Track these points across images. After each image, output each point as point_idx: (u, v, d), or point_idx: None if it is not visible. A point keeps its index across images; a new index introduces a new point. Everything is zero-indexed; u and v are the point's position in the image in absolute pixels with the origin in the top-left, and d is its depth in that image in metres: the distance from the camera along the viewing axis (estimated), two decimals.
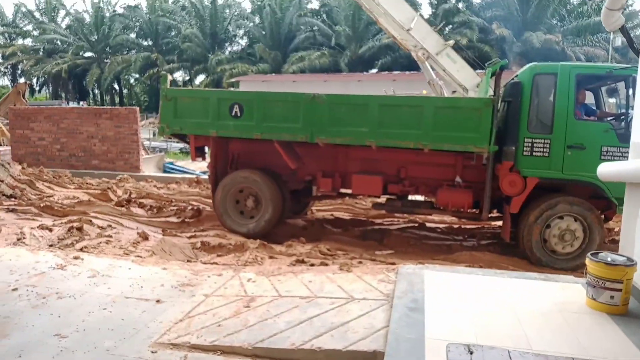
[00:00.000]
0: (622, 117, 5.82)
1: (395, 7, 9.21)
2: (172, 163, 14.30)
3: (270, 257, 5.73)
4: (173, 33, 41.46)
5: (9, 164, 10.15)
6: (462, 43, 21.46)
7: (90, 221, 6.76)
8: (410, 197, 7.16)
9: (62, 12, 46.82)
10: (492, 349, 2.53)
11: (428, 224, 7.77)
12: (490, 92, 6.31)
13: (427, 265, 4.74)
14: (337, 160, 6.99)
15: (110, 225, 6.82)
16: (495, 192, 6.12)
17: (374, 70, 32.57)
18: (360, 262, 5.45)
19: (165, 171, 13.23)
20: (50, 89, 47.83)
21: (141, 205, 8.30)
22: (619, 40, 22.34)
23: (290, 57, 33.30)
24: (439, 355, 2.67)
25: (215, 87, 36.08)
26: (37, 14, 46.67)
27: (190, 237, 6.60)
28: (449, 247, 6.67)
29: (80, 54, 42.58)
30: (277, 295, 3.80)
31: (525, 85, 5.89)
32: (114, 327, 3.33)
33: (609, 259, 3.33)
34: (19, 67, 45.83)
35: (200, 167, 12.43)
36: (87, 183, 10.23)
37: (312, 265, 5.30)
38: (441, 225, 7.85)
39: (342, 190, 7.24)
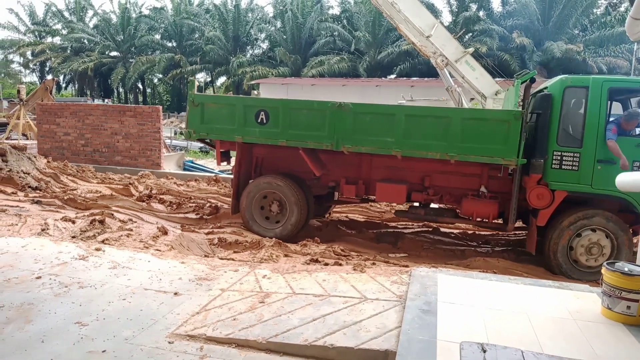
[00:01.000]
0: None
1: (416, 14, 9.25)
2: (192, 161, 14.51)
3: (285, 256, 5.79)
4: (197, 35, 42.13)
5: (35, 157, 10.47)
6: (482, 51, 21.19)
7: (112, 215, 6.94)
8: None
9: (90, 12, 48.13)
10: (505, 349, 2.54)
11: (442, 229, 7.74)
12: (519, 103, 6.22)
13: (441, 268, 4.74)
14: (361, 168, 6.98)
15: (131, 219, 6.98)
16: (521, 203, 6.04)
17: (392, 76, 32.51)
18: (373, 264, 5.47)
19: (185, 169, 13.41)
20: (76, 86, 49.04)
21: (161, 201, 8.46)
22: None
23: (310, 61, 33.47)
24: (451, 357, 2.68)
25: (236, 89, 36.56)
26: (66, 14, 48.01)
27: (207, 233, 6.71)
28: (462, 252, 6.65)
29: (106, 53, 43.56)
30: (291, 292, 3.86)
31: (556, 98, 5.77)
32: (132, 317, 3.42)
33: (626, 269, 3.30)
34: (47, 64, 47.16)
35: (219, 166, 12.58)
36: (109, 178, 10.46)
37: (326, 264, 5.35)
38: (455, 231, 7.82)
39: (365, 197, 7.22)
